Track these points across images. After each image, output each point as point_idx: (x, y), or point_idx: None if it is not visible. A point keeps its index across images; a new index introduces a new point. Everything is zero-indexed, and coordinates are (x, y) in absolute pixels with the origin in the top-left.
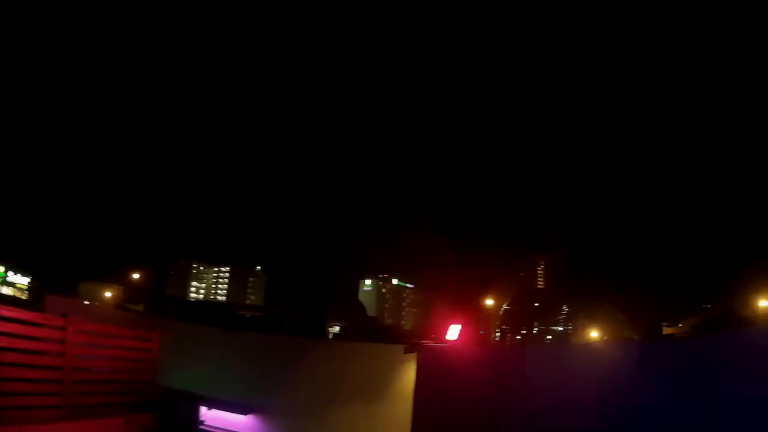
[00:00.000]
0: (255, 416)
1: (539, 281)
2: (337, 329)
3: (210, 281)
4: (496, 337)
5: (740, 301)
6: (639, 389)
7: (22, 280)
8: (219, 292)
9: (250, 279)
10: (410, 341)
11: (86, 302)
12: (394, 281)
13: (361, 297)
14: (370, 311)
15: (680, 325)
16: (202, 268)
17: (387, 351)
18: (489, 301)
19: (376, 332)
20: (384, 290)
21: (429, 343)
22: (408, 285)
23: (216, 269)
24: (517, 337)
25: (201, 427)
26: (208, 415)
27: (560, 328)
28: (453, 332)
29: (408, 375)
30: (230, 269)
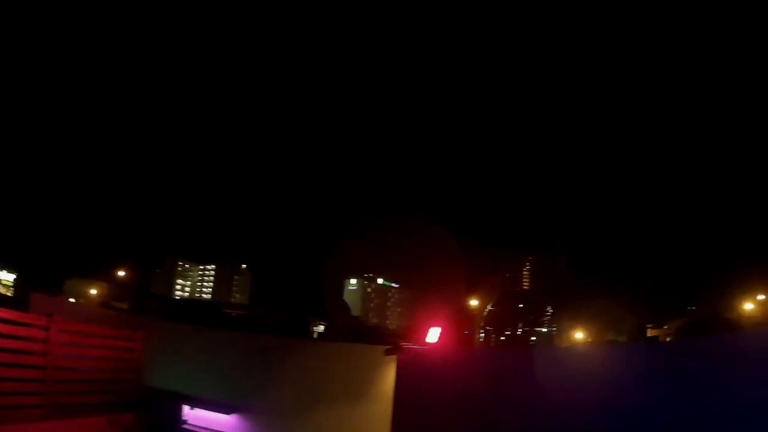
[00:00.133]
0: (238, 416)
1: (524, 282)
2: (321, 328)
3: (195, 279)
4: (480, 337)
5: (725, 303)
6: (619, 393)
7: (8, 277)
8: (204, 290)
9: (236, 277)
10: (392, 342)
11: (72, 300)
12: (380, 281)
13: (347, 296)
14: (355, 310)
15: (665, 327)
16: (187, 266)
17: (370, 351)
18: (473, 302)
19: (361, 332)
20: (369, 289)
21: (409, 345)
22: (393, 285)
23: (201, 267)
24: (501, 338)
25: (184, 426)
26: (191, 414)
27: (545, 330)
28: (432, 335)
29: (390, 376)
30: (216, 267)
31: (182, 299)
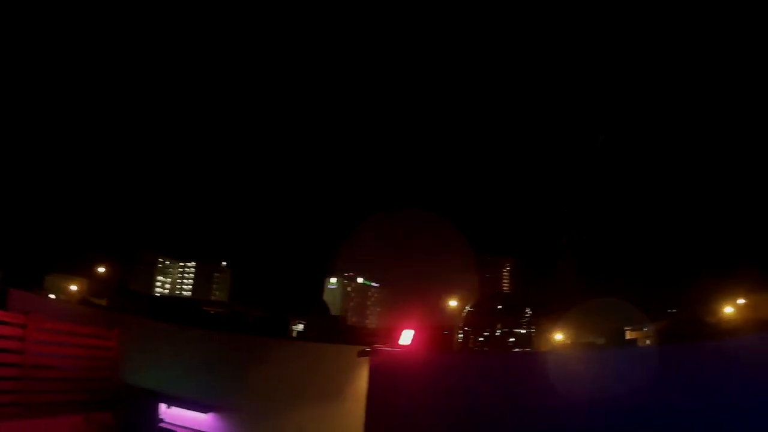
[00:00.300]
0: (215, 415)
1: (504, 284)
2: (301, 327)
3: (175, 276)
4: (459, 338)
5: (705, 307)
6: (590, 398)
7: None
8: (184, 287)
9: (216, 275)
10: (369, 342)
11: (51, 296)
12: (360, 280)
13: (326, 295)
14: (335, 309)
15: (645, 329)
16: (167, 262)
17: (346, 352)
18: (453, 302)
19: (339, 331)
20: (349, 288)
21: (382, 347)
22: (373, 284)
23: (182, 264)
24: (480, 339)
25: (160, 425)
26: (167, 413)
27: (523, 331)
28: (406, 337)
29: (365, 377)
30: (196, 264)
31: (161, 296)
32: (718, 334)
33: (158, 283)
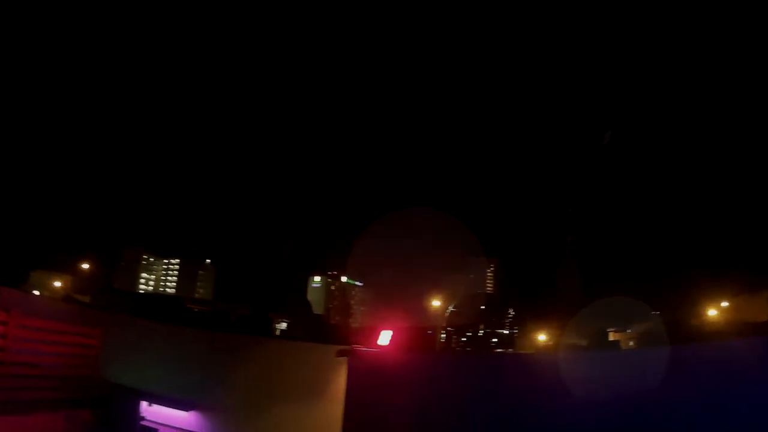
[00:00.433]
0: (197, 413)
1: (488, 284)
2: (284, 325)
3: (160, 273)
4: (442, 338)
5: (689, 309)
6: (568, 401)
7: None
8: (168, 284)
9: (200, 272)
10: (351, 342)
11: (36, 292)
12: (344, 279)
13: (310, 294)
14: (319, 308)
15: (628, 331)
16: (152, 259)
17: (328, 351)
18: (436, 302)
19: (322, 330)
20: (333, 287)
21: (360, 347)
22: (357, 283)
23: (166, 261)
24: (463, 339)
25: (142, 423)
26: (149, 410)
27: (506, 331)
28: (384, 338)
29: (344, 377)
30: (180, 262)
31: (145, 294)
32: (701, 337)
33: (142, 281)
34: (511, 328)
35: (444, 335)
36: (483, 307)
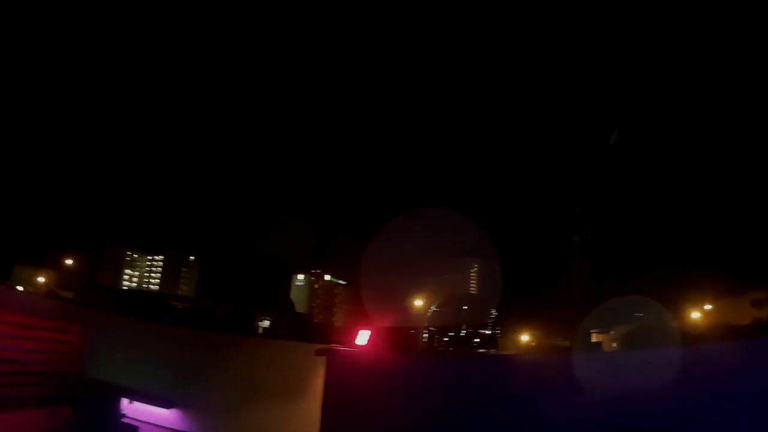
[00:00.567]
0: (178, 410)
1: (471, 284)
2: (267, 323)
3: (143, 270)
4: (424, 337)
5: (672, 311)
6: (549, 403)
7: None
8: (152, 281)
9: (183, 269)
10: (336, 339)
11: (19, 287)
12: (327, 277)
13: (294, 292)
14: (302, 306)
15: (611, 332)
16: (135, 255)
17: (309, 350)
18: (418, 302)
19: (304, 329)
20: (316, 286)
21: (339, 347)
22: (341, 282)
23: (150, 258)
24: (445, 339)
25: (123, 420)
26: (130, 408)
27: (488, 332)
28: (362, 337)
29: (323, 376)
30: (164, 258)
31: (128, 290)
32: (683, 339)
33: (126, 277)
34: (493, 329)
35: (426, 335)
36: (465, 307)
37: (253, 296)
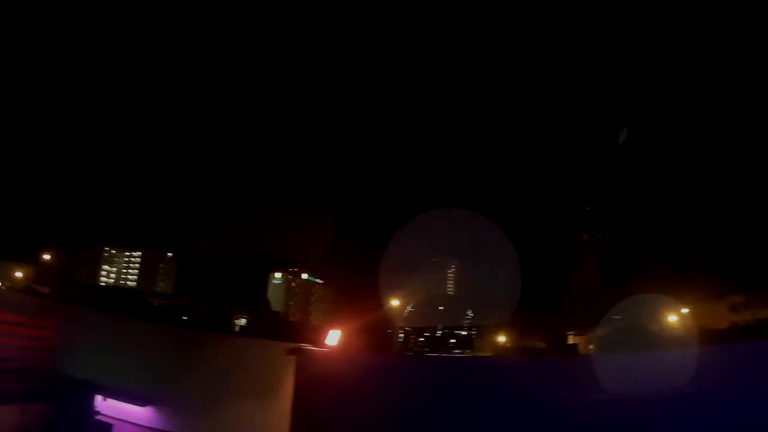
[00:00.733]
0: (152, 408)
1: (448, 285)
2: (243, 321)
3: (121, 266)
4: (400, 338)
5: (649, 314)
6: (523, 406)
7: None
8: (130, 277)
9: (161, 265)
10: (311, 338)
11: None
12: (304, 276)
13: (271, 290)
14: (279, 305)
15: (588, 334)
16: (113, 251)
17: (280, 349)
18: (395, 302)
19: (280, 328)
20: (293, 284)
21: (309, 347)
22: (318, 281)
23: (128, 254)
24: (420, 339)
25: (97, 417)
26: (105, 405)
27: (464, 332)
28: (332, 337)
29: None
30: (141, 254)
31: (105, 286)
32: (659, 343)
33: (104, 273)
34: (469, 330)
35: (402, 335)
36: (441, 308)
37: (231, 294)
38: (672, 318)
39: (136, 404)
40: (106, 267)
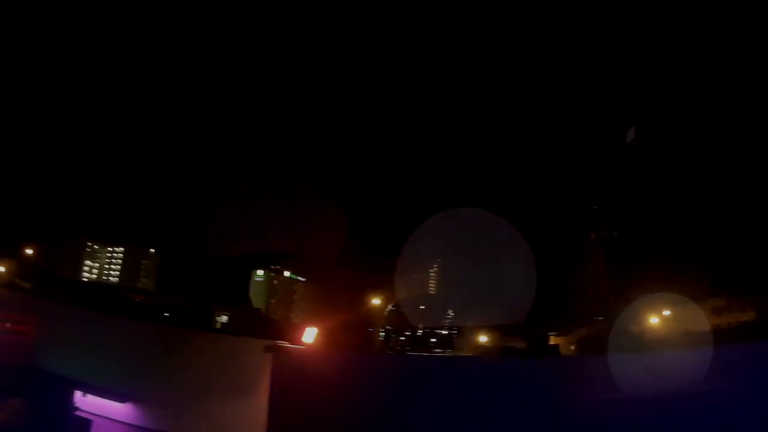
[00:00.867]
0: (132, 404)
1: (430, 284)
2: (225, 318)
3: (104, 261)
4: (381, 336)
5: (631, 316)
6: (503, 407)
7: None
8: (112, 273)
9: (143, 261)
10: (292, 336)
11: None
12: (286, 273)
13: (253, 287)
14: (261, 302)
15: (569, 336)
16: (96, 246)
17: (258, 346)
18: (376, 301)
19: (261, 325)
20: (275, 282)
21: (285, 344)
22: (300, 278)
23: (110, 249)
24: (401, 338)
25: (76, 413)
26: (84, 401)
27: (445, 332)
28: (309, 335)
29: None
30: (124, 250)
31: (87, 282)
32: (640, 345)
33: (86, 268)
34: (450, 329)
35: (383, 334)
36: (422, 307)
37: (212, 291)
38: (653, 320)
39: (115, 400)
40: (88, 262)
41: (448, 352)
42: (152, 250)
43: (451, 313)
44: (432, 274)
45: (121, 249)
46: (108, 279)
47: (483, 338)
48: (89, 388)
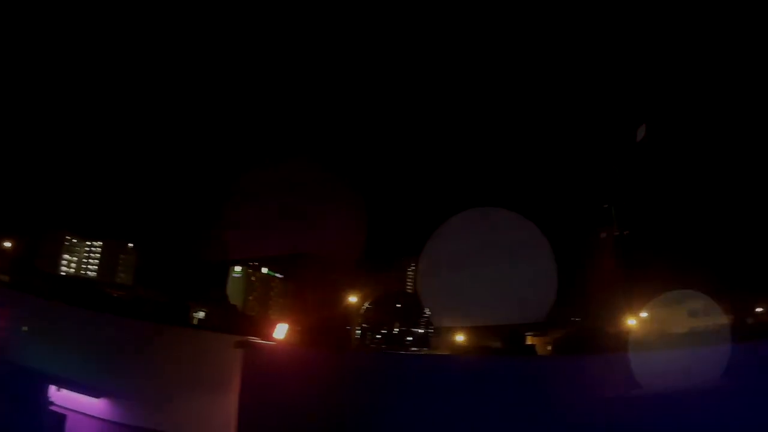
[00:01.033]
0: (107, 399)
1: (408, 283)
2: (202, 314)
3: (82, 255)
4: (357, 334)
5: (609, 317)
6: (478, 407)
7: None
8: (90, 267)
9: (122, 256)
10: (268, 332)
11: None
12: (264, 270)
13: (231, 284)
14: (238, 298)
15: (546, 336)
16: (74, 240)
17: (230, 342)
18: (353, 298)
19: (238, 321)
20: (253, 278)
21: (256, 340)
22: (277, 275)
23: (89, 243)
24: (377, 336)
25: (51, 408)
26: (59, 396)
27: (421, 330)
28: (280, 331)
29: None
30: (102, 244)
31: (64, 276)
32: (616, 346)
33: (65, 262)
34: (426, 328)
35: (360, 331)
36: (399, 305)
37: (190, 286)
38: (630, 321)
39: (90, 395)
40: (66, 256)
41: (424, 351)
42: (131, 245)
43: (427, 311)
44: (410, 272)
45: (100, 243)
46: (86, 273)
47: (459, 337)
48: (63, 383)
